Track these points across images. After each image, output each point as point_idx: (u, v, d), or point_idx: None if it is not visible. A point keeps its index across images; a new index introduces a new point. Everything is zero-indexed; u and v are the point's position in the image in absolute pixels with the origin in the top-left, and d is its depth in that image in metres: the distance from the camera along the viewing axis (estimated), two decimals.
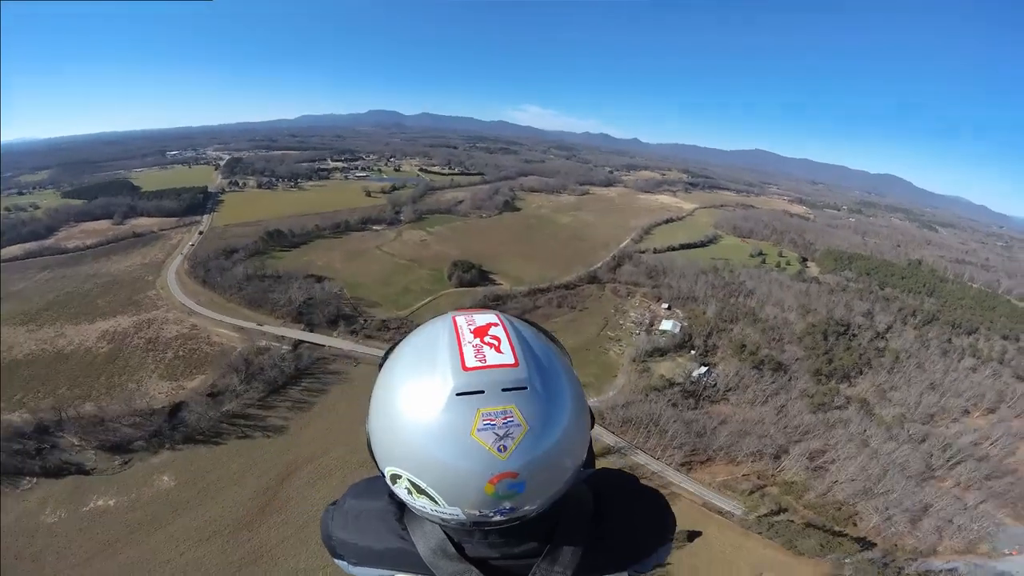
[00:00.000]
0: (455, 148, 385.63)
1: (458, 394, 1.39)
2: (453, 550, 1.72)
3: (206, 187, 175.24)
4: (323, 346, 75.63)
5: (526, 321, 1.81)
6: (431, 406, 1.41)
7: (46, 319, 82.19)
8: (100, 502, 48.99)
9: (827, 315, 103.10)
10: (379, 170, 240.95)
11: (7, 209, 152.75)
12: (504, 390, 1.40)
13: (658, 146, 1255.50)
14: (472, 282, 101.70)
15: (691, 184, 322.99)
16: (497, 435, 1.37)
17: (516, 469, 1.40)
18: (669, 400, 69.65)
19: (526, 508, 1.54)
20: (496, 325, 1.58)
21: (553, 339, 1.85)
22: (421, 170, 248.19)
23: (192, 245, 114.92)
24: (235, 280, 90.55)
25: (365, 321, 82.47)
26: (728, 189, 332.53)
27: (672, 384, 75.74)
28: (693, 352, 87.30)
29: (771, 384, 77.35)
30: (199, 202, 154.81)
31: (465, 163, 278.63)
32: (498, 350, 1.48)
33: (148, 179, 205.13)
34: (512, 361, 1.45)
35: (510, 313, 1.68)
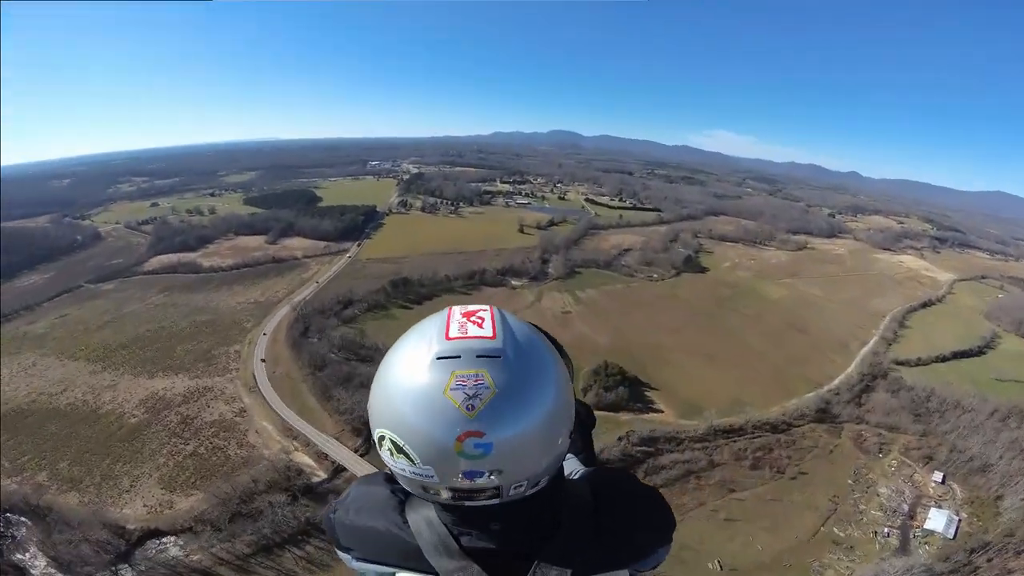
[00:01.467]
0: (630, 175, 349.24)
1: (438, 358, 1.53)
2: (454, 544, 1.75)
3: (374, 207, 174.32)
4: None
5: (531, 324, 1.92)
6: (415, 369, 1.55)
7: (117, 360, 76.89)
8: None
9: None
10: (542, 197, 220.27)
11: (188, 211, 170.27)
12: (478, 356, 1.53)
13: (882, 182, 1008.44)
14: (617, 404, 67.42)
15: (938, 239, 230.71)
16: (467, 395, 1.47)
17: (482, 428, 1.47)
18: None
19: (497, 476, 1.58)
20: (485, 311, 1.72)
21: (550, 337, 1.98)
22: (588, 200, 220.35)
23: (318, 284, 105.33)
24: (319, 353, 73.86)
25: None
26: (980, 248, 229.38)
27: None
28: None
29: None
30: (358, 225, 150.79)
31: (639, 194, 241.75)
32: (480, 326, 1.62)
33: (333, 190, 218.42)
34: (490, 334, 1.58)
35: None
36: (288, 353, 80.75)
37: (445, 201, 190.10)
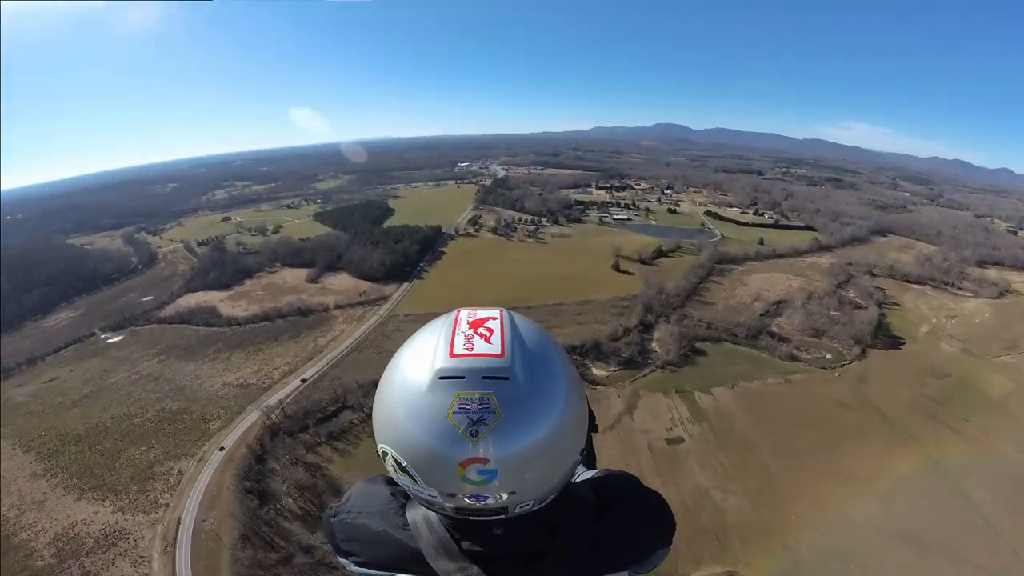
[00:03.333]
0: (760, 175, 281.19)
1: (441, 377, 1.41)
2: (455, 547, 1.69)
3: (440, 227, 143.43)
4: None
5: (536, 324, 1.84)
6: (416, 387, 1.44)
7: (63, 461, 61.22)
8: None
9: None
10: (647, 210, 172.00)
11: (250, 230, 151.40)
12: (485, 377, 1.41)
13: None
14: None
15: None
16: (471, 419, 1.37)
17: (486, 456, 1.38)
18: None
19: (503, 499, 1.51)
20: (494, 319, 1.58)
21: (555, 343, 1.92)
22: (708, 213, 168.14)
23: (328, 361, 74.75)
24: (269, 499, 48.62)
25: None
26: None
27: None
28: None
29: None
30: (412, 258, 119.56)
31: (780, 203, 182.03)
32: (488, 341, 1.48)
33: (409, 202, 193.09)
34: (498, 351, 1.45)
35: None
36: (231, 492, 52.00)
37: (524, 220, 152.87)
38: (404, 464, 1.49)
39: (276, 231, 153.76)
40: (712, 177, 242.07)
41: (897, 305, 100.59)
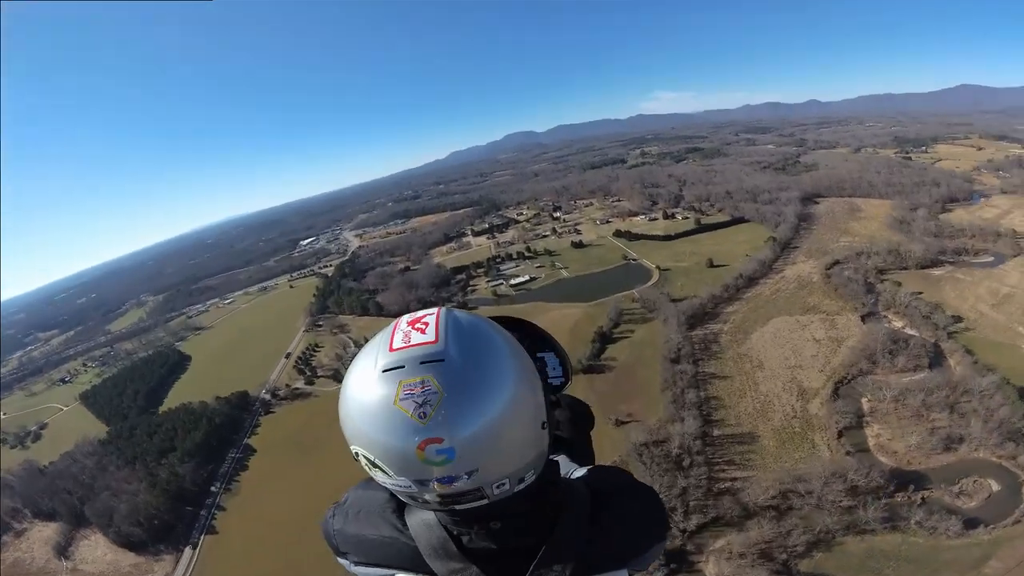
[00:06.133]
0: (623, 163, 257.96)
1: (384, 371, 1.44)
2: (453, 547, 1.67)
3: (245, 395, 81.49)
4: None
5: (496, 318, 1.84)
6: (365, 385, 1.47)
7: None
8: None
9: None
10: (548, 254, 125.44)
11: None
12: (422, 363, 1.43)
13: (844, 103, 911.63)
14: None
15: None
16: (416, 403, 1.39)
17: (439, 434, 1.40)
18: None
19: (469, 479, 1.49)
20: (431, 315, 1.58)
21: (526, 326, 2.04)
22: (619, 234, 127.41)
23: None
24: None
25: None
26: None
27: None
28: None
29: None
30: (200, 481, 62.03)
31: (682, 195, 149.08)
32: (424, 332, 1.50)
33: (219, 333, 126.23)
34: (432, 339, 1.48)
35: None
36: None
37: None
38: (374, 459, 1.50)
39: (37, 437, 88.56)
40: (591, 180, 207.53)
41: (959, 321, 65.33)
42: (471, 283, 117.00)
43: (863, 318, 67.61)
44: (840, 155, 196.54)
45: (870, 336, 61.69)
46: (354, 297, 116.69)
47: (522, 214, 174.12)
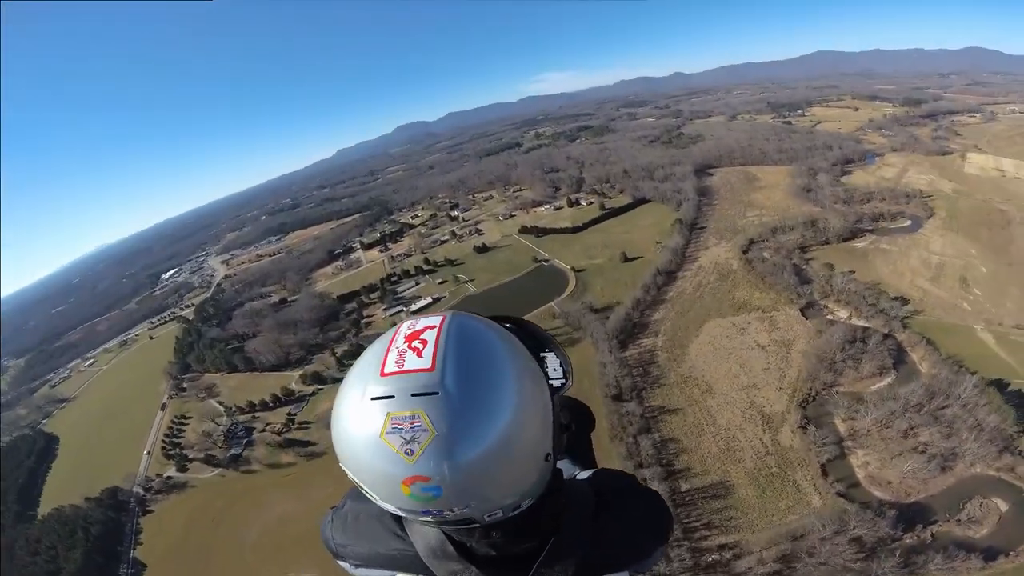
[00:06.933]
0: (519, 146, 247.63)
1: (372, 398, 1.32)
2: (452, 550, 1.60)
3: (115, 492, 64.98)
4: None
5: (497, 317, 1.69)
6: (352, 410, 1.35)
7: None
8: None
9: None
10: (450, 265, 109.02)
11: None
12: (413, 395, 1.29)
13: (706, 74, 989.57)
14: None
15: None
16: (404, 439, 1.27)
17: (426, 473, 1.28)
18: None
19: (460, 513, 1.39)
20: (432, 328, 1.42)
21: (529, 331, 1.78)
22: (525, 230, 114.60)
23: None
24: None
25: None
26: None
27: None
28: None
29: None
30: None
31: (582, 179, 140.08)
32: (420, 355, 1.35)
33: (83, 406, 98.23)
34: (428, 366, 1.32)
35: None
36: None
37: (264, 402, 74.21)
38: (359, 483, 1.42)
39: None
40: (489, 169, 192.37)
41: (905, 303, 62.30)
42: (365, 313, 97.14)
43: (803, 311, 61.74)
44: (720, 124, 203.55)
45: (822, 338, 55.38)
46: (217, 351, 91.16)
47: (417, 216, 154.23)
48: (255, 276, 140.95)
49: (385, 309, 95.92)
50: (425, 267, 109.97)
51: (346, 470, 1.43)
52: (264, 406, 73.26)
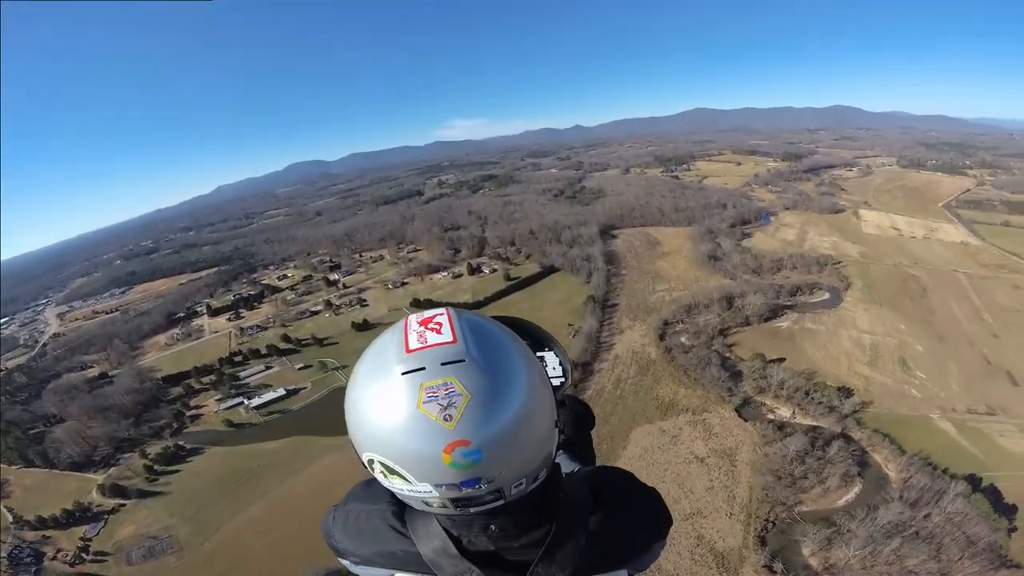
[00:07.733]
0: (420, 194, 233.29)
1: (403, 373, 1.38)
2: (454, 548, 1.64)
3: None
4: None
5: (491, 317, 1.76)
6: (383, 389, 1.41)
7: None
8: None
9: None
10: (319, 344, 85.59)
11: None
12: (443, 364, 1.37)
13: (602, 127, 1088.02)
14: None
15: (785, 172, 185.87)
16: (441, 405, 1.34)
17: (466, 436, 1.36)
18: None
19: (494, 479, 1.46)
20: (442, 314, 1.53)
21: (526, 325, 2.06)
22: (417, 303, 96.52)
23: None
24: None
25: None
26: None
27: None
28: None
29: None
30: None
31: (484, 239, 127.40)
32: (439, 332, 1.45)
33: None
34: (450, 339, 1.42)
35: None
36: None
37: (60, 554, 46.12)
38: (393, 466, 1.44)
39: None
40: (383, 220, 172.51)
41: (850, 395, 55.93)
42: (192, 403, 72.42)
43: (739, 412, 52.20)
44: (616, 177, 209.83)
45: (773, 447, 45.26)
46: (12, 438, 66.24)
47: (286, 277, 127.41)
48: (83, 339, 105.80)
49: (219, 400, 71.54)
50: (283, 346, 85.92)
51: (374, 456, 1.45)
52: (56, 522, 52.58)
